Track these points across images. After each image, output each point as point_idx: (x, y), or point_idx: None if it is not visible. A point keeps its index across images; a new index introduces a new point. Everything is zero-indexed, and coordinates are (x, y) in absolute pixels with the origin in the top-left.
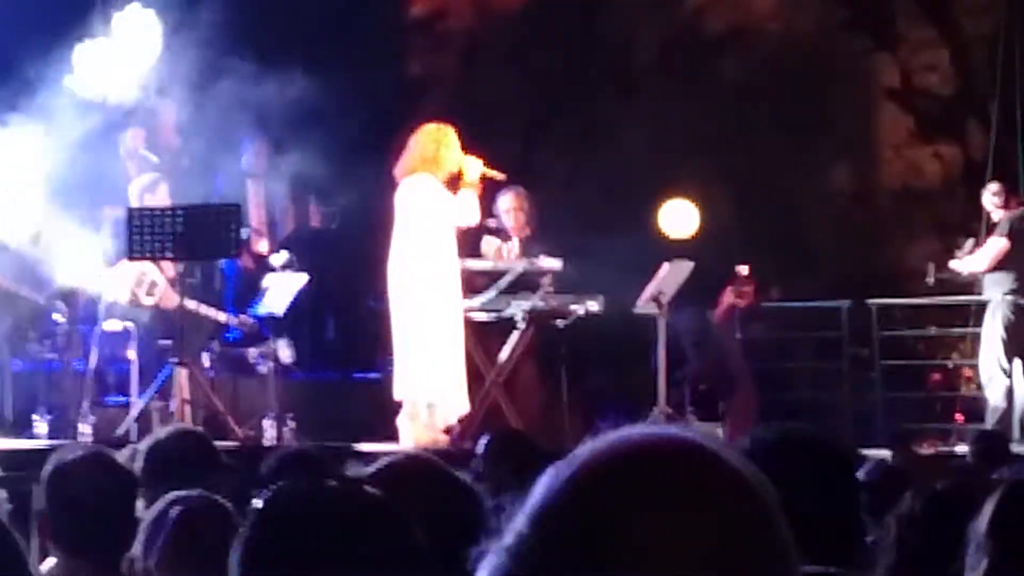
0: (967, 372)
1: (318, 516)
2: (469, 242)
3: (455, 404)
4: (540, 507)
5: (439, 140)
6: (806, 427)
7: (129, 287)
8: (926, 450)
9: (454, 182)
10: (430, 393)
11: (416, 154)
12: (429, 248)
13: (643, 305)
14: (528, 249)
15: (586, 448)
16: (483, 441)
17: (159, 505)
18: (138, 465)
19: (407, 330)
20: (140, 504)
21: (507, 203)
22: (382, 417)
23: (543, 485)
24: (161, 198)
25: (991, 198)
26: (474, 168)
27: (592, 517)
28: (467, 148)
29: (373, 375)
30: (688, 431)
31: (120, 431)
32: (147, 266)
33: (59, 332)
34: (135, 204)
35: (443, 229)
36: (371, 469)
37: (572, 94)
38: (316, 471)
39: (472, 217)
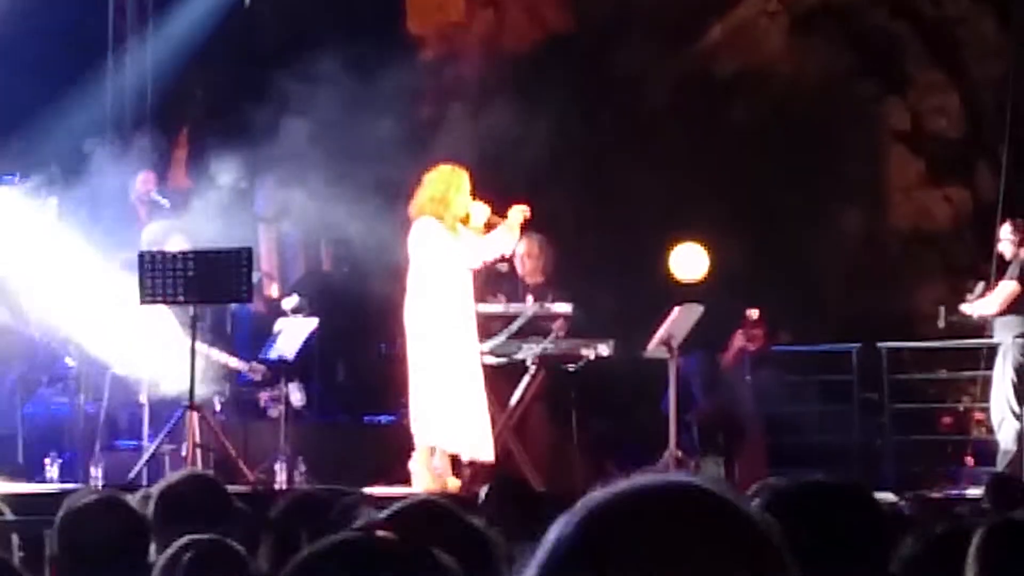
0: (978, 415)
1: None
2: (479, 286)
3: (475, 445)
4: (548, 559)
5: (450, 182)
6: (841, 476)
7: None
8: (936, 494)
9: (461, 225)
10: (443, 438)
11: (426, 194)
12: (438, 293)
13: (653, 349)
14: (541, 294)
15: (592, 498)
16: (484, 489)
17: (171, 549)
18: (150, 510)
19: (421, 375)
20: (152, 548)
21: (521, 249)
22: (394, 461)
23: (551, 537)
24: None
25: (1008, 236)
26: (480, 213)
27: (601, 567)
28: (477, 191)
29: (384, 419)
30: (693, 477)
31: (132, 475)
32: (160, 309)
33: (71, 376)
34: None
35: (451, 273)
36: (384, 514)
37: (582, 137)
38: (326, 515)
39: (473, 261)
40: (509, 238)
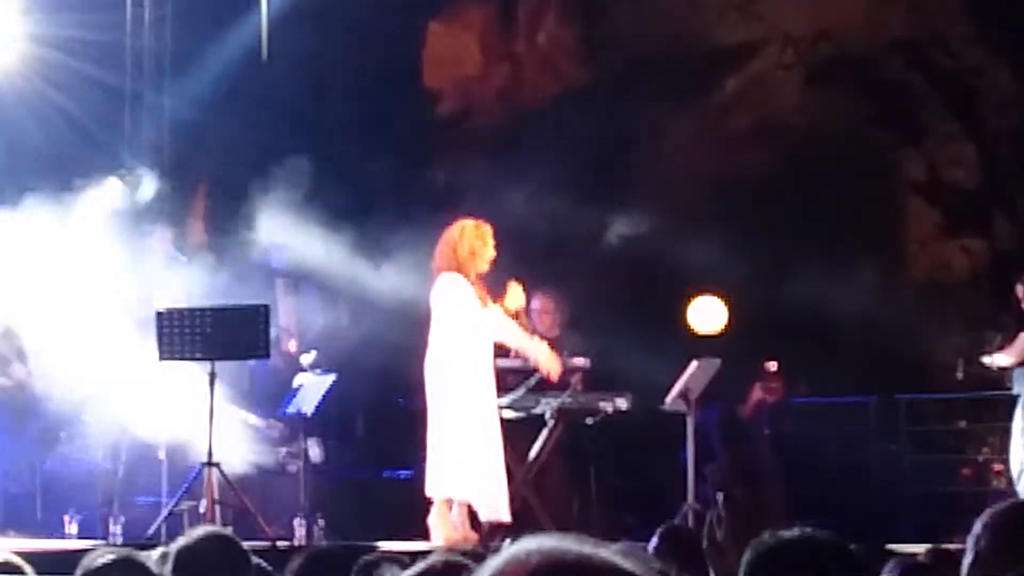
0: (997, 466)
1: None
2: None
3: (493, 505)
4: None
5: (472, 237)
6: (824, 530)
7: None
8: (955, 546)
9: (492, 292)
10: (461, 492)
11: (449, 249)
12: (459, 347)
13: (671, 402)
14: (558, 348)
15: (489, 567)
16: (505, 544)
17: None
18: (168, 568)
19: (440, 428)
20: None
21: (537, 305)
22: (412, 515)
23: None
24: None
25: None
26: (515, 297)
27: None
28: (496, 246)
29: (403, 473)
30: (589, 545)
31: (150, 532)
32: (185, 367)
33: (90, 433)
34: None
35: (471, 328)
36: (409, 573)
37: (598, 190)
38: (345, 573)
39: (494, 331)
40: (541, 355)
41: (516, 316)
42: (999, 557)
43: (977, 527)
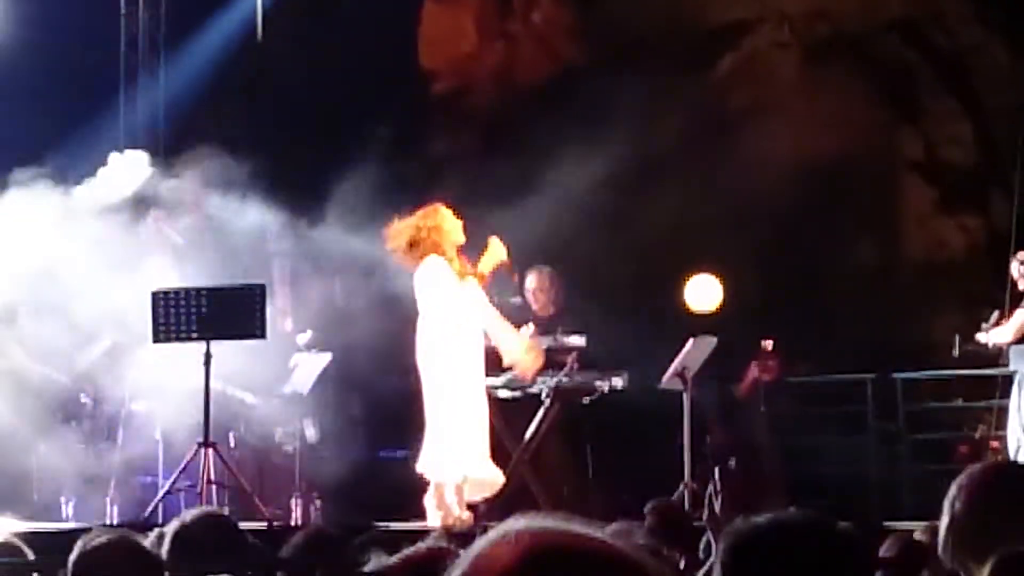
0: (994, 444)
1: None
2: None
3: (486, 480)
4: None
5: (433, 217)
6: (809, 511)
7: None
8: None
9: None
10: (456, 472)
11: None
12: (447, 330)
13: (668, 381)
14: (553, 327)
15: (477, 547)
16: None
17: None
18: (164, 548)
19: (433, 409)
20: None
21: (532, 283)
22: (408, 496)
23: None
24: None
25: (1019, 266)
26: (494, 254)
27: None
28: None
29: (399, 453)
30: (573, 524)
31: (147, 512)
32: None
33: (85, 413)
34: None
35: (458, 310)
36: (395, 559)
37: (595, 168)
38: (340, 553)
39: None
40: (514, 347)
41: (497, 269)
42: (973, 518)
43: (953, 489)
